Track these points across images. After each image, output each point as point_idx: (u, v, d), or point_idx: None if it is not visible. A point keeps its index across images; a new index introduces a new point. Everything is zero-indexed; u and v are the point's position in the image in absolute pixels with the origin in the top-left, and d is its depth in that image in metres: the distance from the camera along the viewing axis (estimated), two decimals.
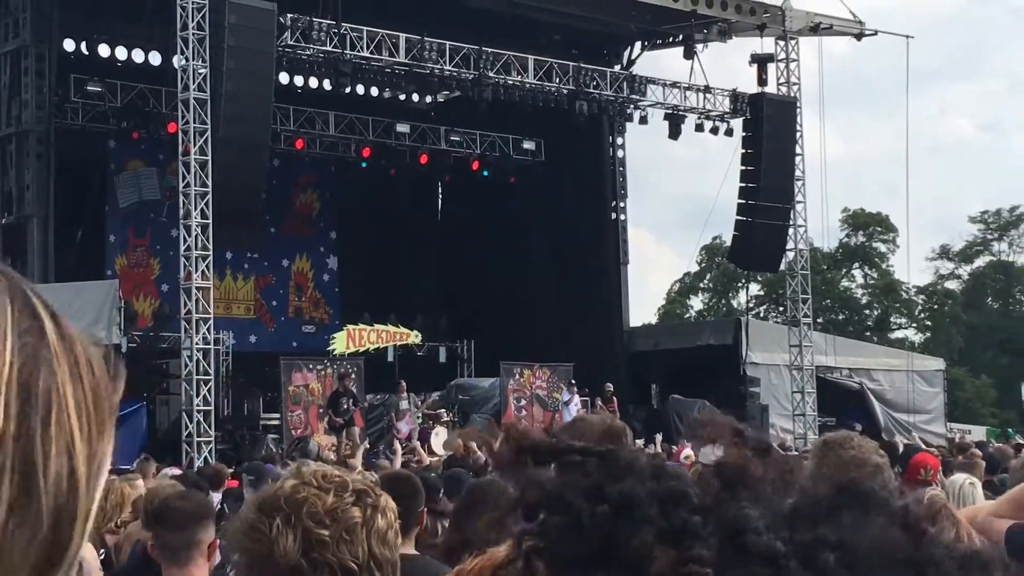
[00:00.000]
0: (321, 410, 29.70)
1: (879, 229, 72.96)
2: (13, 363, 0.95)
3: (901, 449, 11.95)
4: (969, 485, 8.19)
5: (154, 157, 35.75)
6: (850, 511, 1.20)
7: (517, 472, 1.30)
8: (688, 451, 18.53)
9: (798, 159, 36.12)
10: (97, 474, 1.01)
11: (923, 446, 23.67)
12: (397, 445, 20.89)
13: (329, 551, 2.84)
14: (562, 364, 34.56)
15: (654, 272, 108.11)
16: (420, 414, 31.47)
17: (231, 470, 18.92)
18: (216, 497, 11.55)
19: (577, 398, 32.25)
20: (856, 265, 74.97)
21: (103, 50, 35.47)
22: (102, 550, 7.93)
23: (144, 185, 36.41)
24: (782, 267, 37.47)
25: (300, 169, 39.30)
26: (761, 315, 66.10)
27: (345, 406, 28.40)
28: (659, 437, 29.75)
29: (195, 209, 27.06)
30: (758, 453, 1.31)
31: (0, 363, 0.95)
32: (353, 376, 30.25)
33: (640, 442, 27.24)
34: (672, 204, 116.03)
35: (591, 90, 34.53)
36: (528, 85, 33.60)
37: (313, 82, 37.53)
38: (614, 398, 33.41)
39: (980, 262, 78.47)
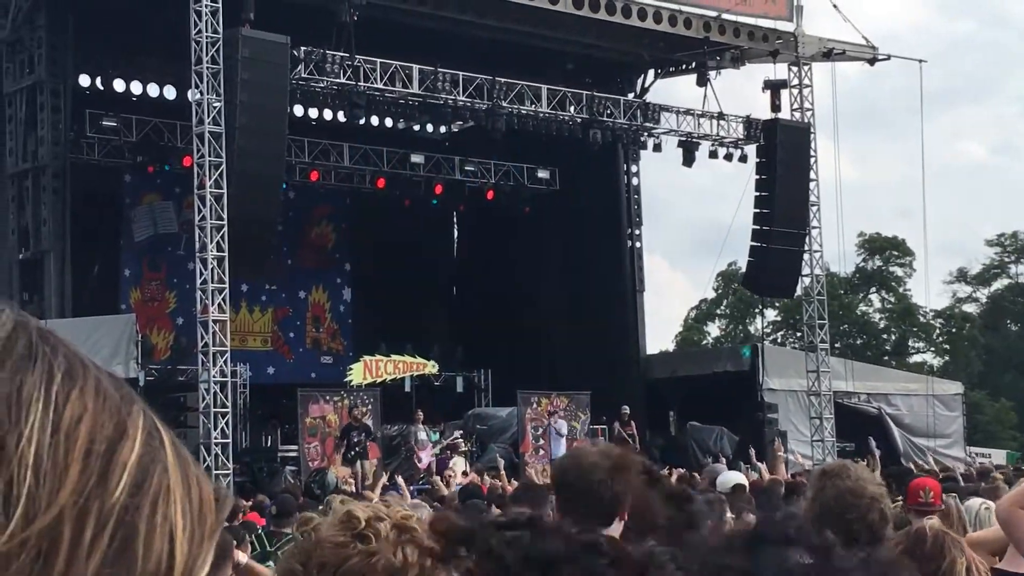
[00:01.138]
0: (336, 442, 29.74)
1: (895, 253, 72.87)
2: (139, 453, 1.10)
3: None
4: (985, 510, 8.18)
5: (170, 191, 35.83)
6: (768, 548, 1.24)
7: (457, 562, 1.35)
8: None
9: (812, 184, 36.10)
10: (195, 569, 1.14)
11: (929, 467, 23.58)
12: (400, 480, 20.79)
13: None
14: (580, 392, 34.54)
15: (668, 299, 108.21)
16: (441, 445, 31.39)
17: (248, 503, 18.95)
18: None
19: (564, 424, 31.80)
20: (873, 289, 74.84)
21: (118, 85, 35.67)
22: None
23: (160, 219, 36.48)
24: (798, 292, 37.41)
25: (315, 201, 39.37)
26: (778, 341, 66.01)
27: (357, 438, 28.41)
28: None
29: (211, 242, 27.13)
30: (651, 483, 1.38)
31: (129, 449, 1.10)
32: (366, 408, 30.30)
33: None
34: (685, 231, 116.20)
35: (605, 118, 34.59)
36: (542, 114, 33.68)
37: (327, 114, 37.72)
38: (632, 421, 33.42)
39: (998, 285, 78.31)
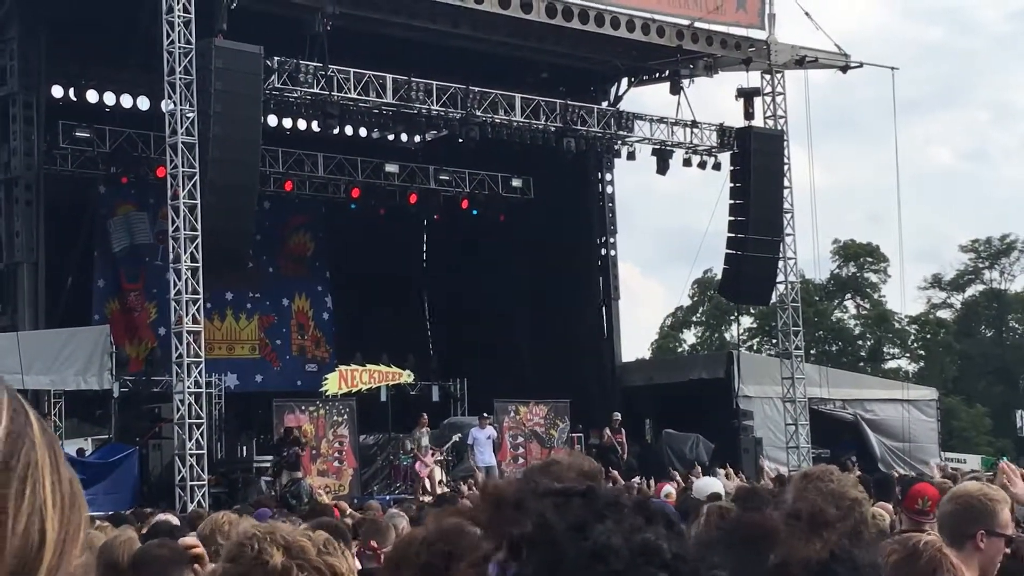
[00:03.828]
0: (313, 450, 29.74)
1: (870, 260, 73.12)
2: (6, 430, 1.13)
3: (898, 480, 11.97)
4: None
5: (144, 201, 35.66)
6: None
7: (501, 527, 1.32)
8: (668, 488, 18.48)
9: (786, 191, 36.22)
10: (67, 542, 1.17)
11: (933, 476, 23.65)
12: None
13: None
14: (559, 400, 34.56)
15: (641, 307, 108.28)
16: (440, 451, 31.33)
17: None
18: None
19: (491, 430, 31.24)
20: (848, 296, 75.08)
21: (91, 96, 35.57)
22: None
23: (136, 229, 36.26)
24: (773, 299, 37.50)
25: (291, 211, 39.27)
26: (754, 348, 66.16)
27: (285, 452, 28.61)
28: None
29: (185, 253, 27.05)
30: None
31: None
32: (340, 419, 30.52)
33: (637, 480, 27.20)
34: (658, 238, 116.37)
35: (578, 127, 34.61)
36: (516, 123, 33.69)
37: (301, 124, 37.64)
38: (623, 428, 33.44)
39: (972, 291, 78.61)
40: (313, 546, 3.23)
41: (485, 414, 31.73)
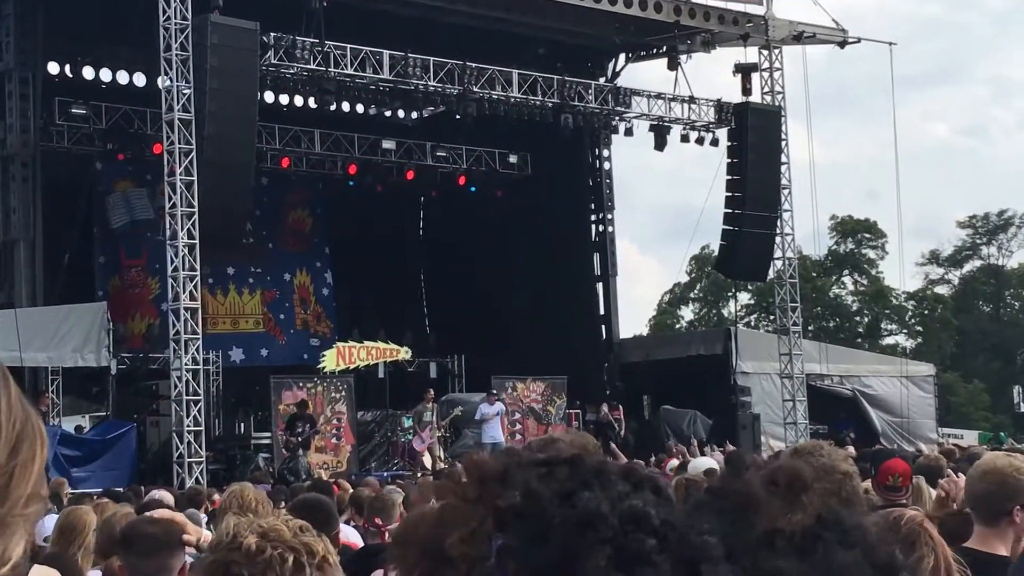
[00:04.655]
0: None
1: (868, 236, 73.10)
2: None
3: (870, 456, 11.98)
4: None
5: (142, 178, 35.59)
6: (824, 544, 1.21)
7: (487, 500, 1.31)
8: (674, 462, 18.51)
9: (784, 167, 36.20)
10: (12, 475, 1.16)
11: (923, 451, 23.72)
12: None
13: None
14: (557, 377, 34.60)
15: (638, 283, 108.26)
16: (437, 427, 31.35)
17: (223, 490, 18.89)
18: (203, 518, 11.56)
19: (500, 405, 31.09)
20: (846, 272, 75.08)
21: (87, 72, 35.46)
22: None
23: (136, 205, 36.14)
24: (771, 276, 37.50)
25: (289, 187, 39.21)
26: (752, 324, 66.18)
27: (301, 428, 28.56)
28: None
29: (182, 230, 27.04)
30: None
31: None
32: (339, 395, 30.49)
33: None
34: (656, 215, 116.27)
35: (576, 103, 34.55)
36: (513, 99, 33.62)
37: (298, 100, 37.58)
38: (620, 405, 33.57)
39: (970, 267, 78.64)
40: (289, 530, 3.36)
41: (494, 390, 31.73)
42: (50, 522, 8.62)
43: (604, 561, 1.20)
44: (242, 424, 32.53)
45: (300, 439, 28.48)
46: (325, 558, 3.36)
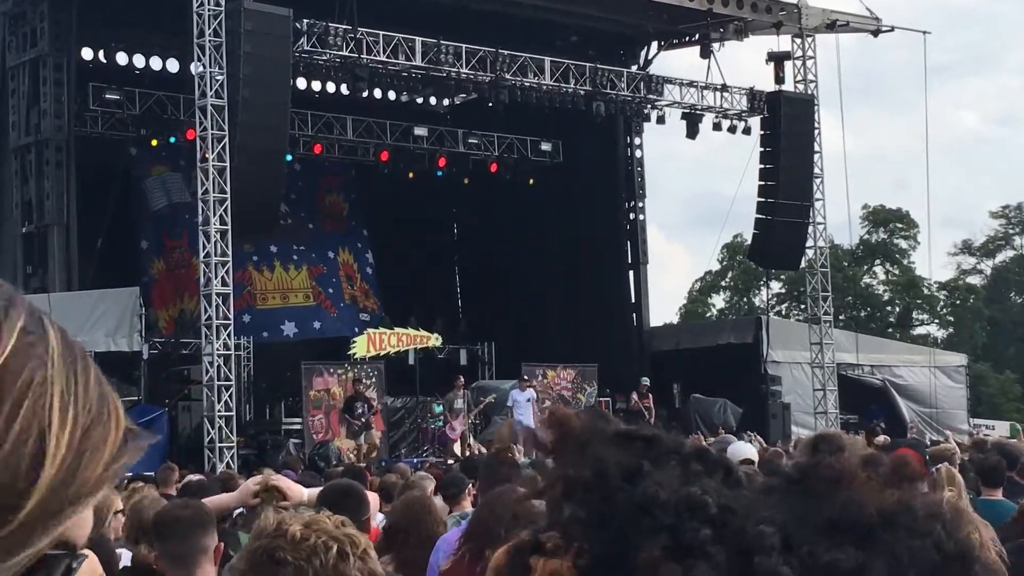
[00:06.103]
0: (340, 415, 29.75)
1: (899, 225, 72.71)
2: (7, 355, 1.09)
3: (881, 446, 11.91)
4: None
5: (176, 163, 35.67)
6: (892, 534, 1.18)
7: (563, 457, 1.30)
8: None
9: (816, 156, 36.06)
10: (84, 457, 1.13)
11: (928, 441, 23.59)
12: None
13: None
14: (587, 365, 34.59)
15: (667, 271, 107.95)
16: (473, 414, 31.37)
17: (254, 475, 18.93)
18: None
19: (531, 392, 30.77)
20: (877, 262, 74.70)
21: (121, 58, 35.59)
22: None
23: (172, 188, 36.17)
24: (803, 264, 37.40)
25: (322, 172, 39.17)
26: (783, 313, 65.96)
27: (360, 409, 28.55)
28: None
29: (214, 215, 27.11)
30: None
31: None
32: (370, 382, 30.47)
33: None
34: (683, 203, 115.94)
35: (608, 91, 34.50)
36: (545, 87, 33.58)
37: (330, 87, 37.61)
38: (650, 394, 33.50)
39: (1002, 257, 78.18)
40: (331, 523, 3.48)
41: (526, 376, 31.71)
42: None
43: (658, 551, 1.19)
44: (272, 409, 32.63)
45: (363, 420, 28.51)
46: (366, 551, 3.45)
